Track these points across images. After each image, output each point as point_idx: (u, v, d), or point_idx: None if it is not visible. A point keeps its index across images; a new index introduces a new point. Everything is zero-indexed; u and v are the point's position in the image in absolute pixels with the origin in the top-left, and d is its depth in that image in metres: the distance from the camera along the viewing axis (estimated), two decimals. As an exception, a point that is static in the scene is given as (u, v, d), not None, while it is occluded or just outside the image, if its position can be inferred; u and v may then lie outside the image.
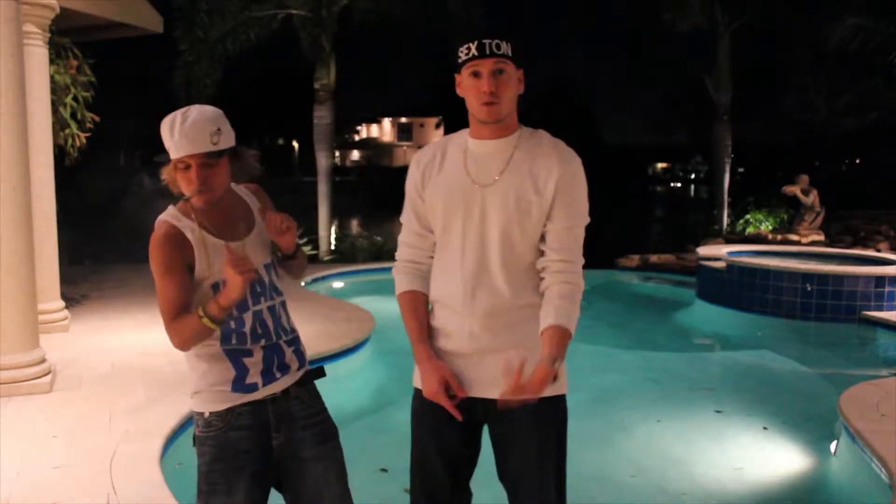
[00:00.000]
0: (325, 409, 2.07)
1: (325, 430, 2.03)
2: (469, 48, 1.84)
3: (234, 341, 1.93)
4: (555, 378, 1.78)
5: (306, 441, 1.98)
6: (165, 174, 1.92)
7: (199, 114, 1.84)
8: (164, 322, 1.90)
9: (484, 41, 1.83)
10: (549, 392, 1.89)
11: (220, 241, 1.92)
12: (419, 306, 2.00)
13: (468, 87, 1.87)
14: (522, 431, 1.93)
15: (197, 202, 1.88)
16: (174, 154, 1.84)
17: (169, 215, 1.93)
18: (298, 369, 2.03)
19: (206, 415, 1.94)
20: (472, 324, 1.93)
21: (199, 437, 1.96)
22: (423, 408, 2.01)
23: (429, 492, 2.03)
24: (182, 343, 1.89)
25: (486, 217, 1.90)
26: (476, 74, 1.85)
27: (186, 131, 1.81)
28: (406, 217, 2.05)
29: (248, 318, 1.94)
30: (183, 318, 1.87)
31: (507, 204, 1.89)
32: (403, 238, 2.07)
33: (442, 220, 1.96)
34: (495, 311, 1.92)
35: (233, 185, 2.00)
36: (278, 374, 1.97)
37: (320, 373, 2.12)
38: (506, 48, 1.83)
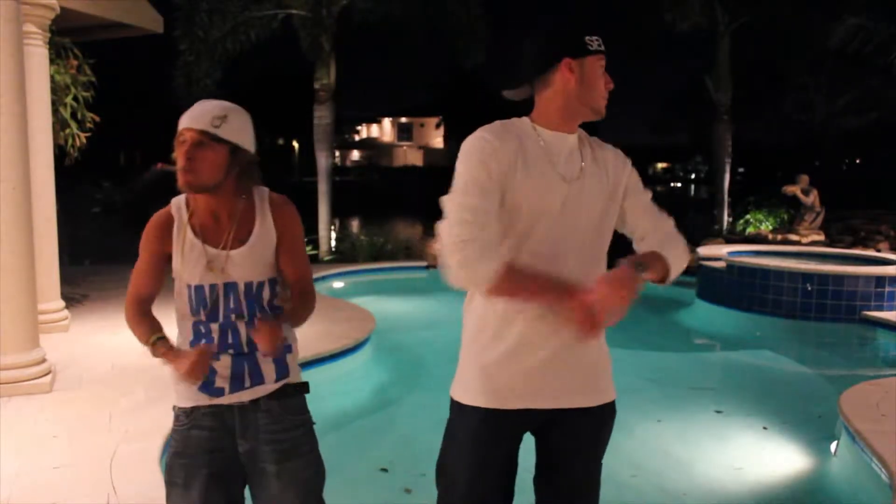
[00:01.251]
0: (298, 426, 1.98)
1: (290, 448, 1.94)
2: (598, 41, 1.79)
3: (202, 343, 1.91)
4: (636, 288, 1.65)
5: (268, 455, 1.92)
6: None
7: (216, 101, 1.88)
8: (126, 300, 1.98)
9: (590, 37, 1.80)
10: (603, 399, 1.91)
11: (198, 242, 1.90)
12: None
13: (598, 77, 1.79)
14: (584, 441, 1.91)
15: (180, 182, 1.84)
16: (179, 127, 1.85)
17: (175, 201, 1.95)
18: (277, 381, 1.96)
19: (176, 408, 1.98)
20: (560, 331, 1.77)
21: (172, 429, 1.99)
22: (484, 429, 1.84)
23: None
24: (130, 329, 1.97)
25: (578, 213, 1.81)
26: (605, 70, 1.82)
27: (193, 109, 1.86)
28: (471, 198, 1.71)
29: (214, 329, 1.91)
30: (140, 318, 1.96)
31: (595, 197, 1.84)
32: (466, 216, 1.69)
33: (528, 219, 1.77)
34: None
35: (256, 196, 1.95)
36: (248, 383, 1.92)
37: (302, 388, 2.02)
38: (597, 43, 1.83)
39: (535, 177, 1.75)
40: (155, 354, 1.88)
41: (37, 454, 3.57)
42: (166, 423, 3.86)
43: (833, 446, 4.29)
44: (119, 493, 3.12)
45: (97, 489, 3.17)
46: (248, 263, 1.92)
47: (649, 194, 1.96)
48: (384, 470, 3.93)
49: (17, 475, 3.32)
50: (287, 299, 1.99)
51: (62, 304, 6.34)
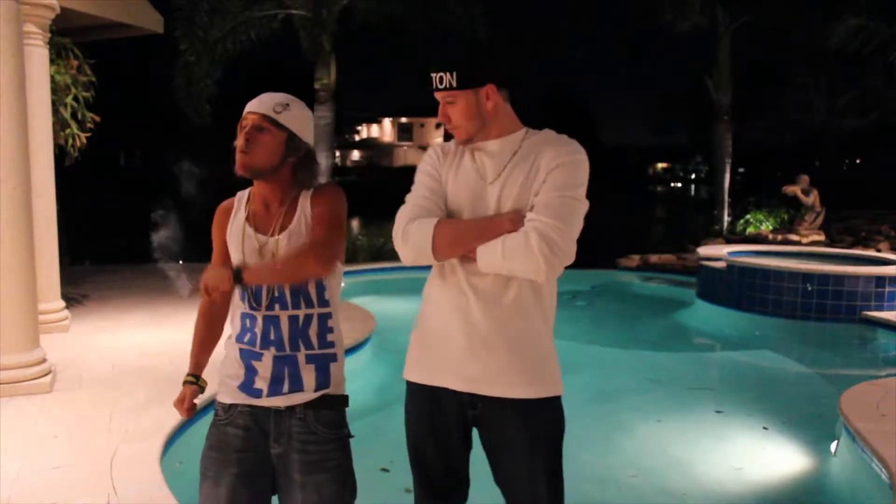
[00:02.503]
0: (330, 440, 1.94)
1: (317, 461, 1.91)
2: (430, 79, 1.95)
3: (246, 339, 1.94)
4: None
5: (296, 465, 1.92)
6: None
7: (282, 93, 1.98)
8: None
9: (431, 75, 1.94)
10: (536, 393, 1.91)
11: (249, 228, 1.96)
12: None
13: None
14: (511, 438, 1.92)
15: (237, 163, 1.90)
16: (243, 114, 1.94)
17: (240, 193, 2.04)
18: (316, 390, 1.93)
19: (216, 403, 2.00)
20: (476, 321, 1.92)
21: (212, 422, 2.00)
22: (418, 406, 2.02)
23: (431, 491, 2.03)
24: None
25: (499, 211, 1.92)
26: (439, 103, 1.96)
27: (260, 96, 1.95)
28: (419, 197, 1.99)
29: (258, 317, 1.93)
30: (201, 322, 2.09)
31: (511, 196, 1.90)
32: (414, 209, 1.98)
33: (452, 216, 1.97)
34: (495, 306, 1.91)
35: (302, 194, 1.97)
36: (286, 389, 1.91)
37: (342, 402, 1.99)
38: (448, 80, 1.90)
39: (461, 174, 1.98)
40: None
41: (37, 454, 3.57)
42: (166, 422, 3.88)
43: (833, 446, 4.29)
44: (119, 493, 3.12)
45: (97, 489, 3.17)
46: (278, 251, 1.94)
47: (562, 193, 1.85)
48: (384, 470, 3.93)
49: (18, 475, 3.32)
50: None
51: (62, 304, 6.34)
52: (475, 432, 2.02)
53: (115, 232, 19.33)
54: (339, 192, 2.00)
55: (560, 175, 1.86)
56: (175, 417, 3.94)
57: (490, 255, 1.84)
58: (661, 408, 5.23)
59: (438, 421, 1.99)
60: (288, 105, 1.93)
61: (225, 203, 2.05)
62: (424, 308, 2.05)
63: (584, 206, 1.88)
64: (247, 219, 1.98)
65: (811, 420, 4.88)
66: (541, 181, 1.86)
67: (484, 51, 1.97)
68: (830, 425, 4.48)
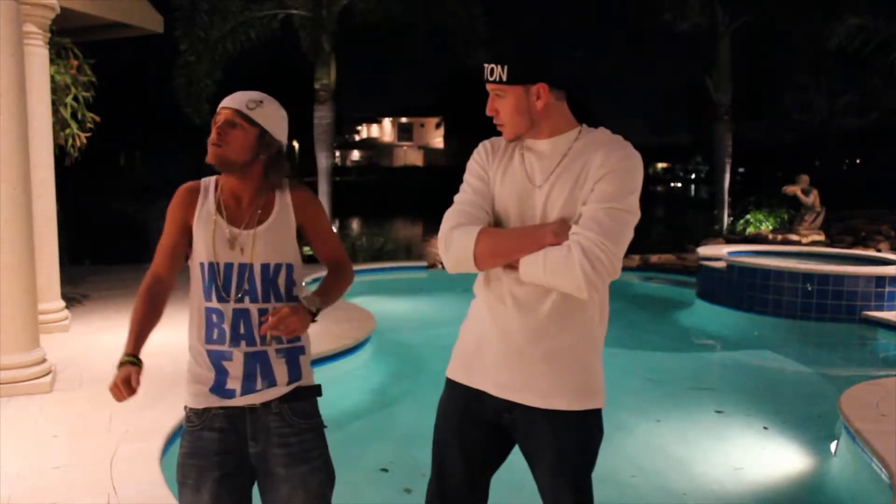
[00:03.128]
0: (309, 430, 1.97)
1: (299, 453, 1.93)
2: (484, 68, 1.89)
3: (215, 336, 1.92)
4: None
5: (278, 459, 1.92)
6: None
7: (255, 91, 2.00)
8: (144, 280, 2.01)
9: (485, 65, 1.88)
10: (569, 405, 1.89)
11: (220, 219, 1.95)
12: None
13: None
14: (540, 448, 1.91)
15: (209, 155, 1.92)
16: (217, 109, 1.96)
17: (205, 179, 2.03)
18: (289, 384, 1.95)
19: (187, 409, 1.98)
20: (512, 329, 1.89)
21: (182, 428, 1.99)
22: (450, 402, 2.02)
23: (444, 488, 2.02)
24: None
25: (545, 217, 1.85)
26: (489, 95, 1.91)
27: (235, 93, 1.98)
28: (465, 201, 1.94)
29: (226, 311, 1.91)
30: (142, 299, 1.99)
31: (558, 203, 1.84)
32: (458, 214, 1.91)
33: (502, 215, 1.92)
34: (532, 316, 1.87)
35: (278, 192, 2.00)
36: (260, 385, 1.92)
37: (315, 391, 2.02)
38: (499, 73, 1.85)
39: (509, 176, 1.93)
40: (118, 368, 1.98)
41: (37, 454, 3.57)
42: (166, 423, 3.88)
43: (833, 446, 4.29)
44: (119, 493, 3.12)
45: (97, 489, 3.17)
46: (264, 244, 1.95)
47: (609, 204, 1.77)
48: (384, 470, 3.93)
49: (18, 475, 3.32)
50: (305, 294, 1.99)
51: (62, 303, 6.34)
52: (513, 447, 2.02)
53: (115, 232, 19.33)
54: (317, 199, 2.10)
55: (609, 184, 1.77)
56: (175, 417, 3.94)
57: (532, 267, 1.78)
58: (661, 408, 5.23)
59: (466, 420, 1.98)
60: (261, 102, 1.95)
61: (189, 184, 2.02)
62: (472, 307, 2.04)
63: (634, 217, 1.80)
64: (217, 209, 1.96)
65: (811, 420, 4.88)
66: (588, 189, 1.79)
67: (538, 47, 1.89)
68: (830, 425, 4.48)
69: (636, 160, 1.83)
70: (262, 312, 1.91)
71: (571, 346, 1.89)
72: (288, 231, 1.99)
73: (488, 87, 1.89)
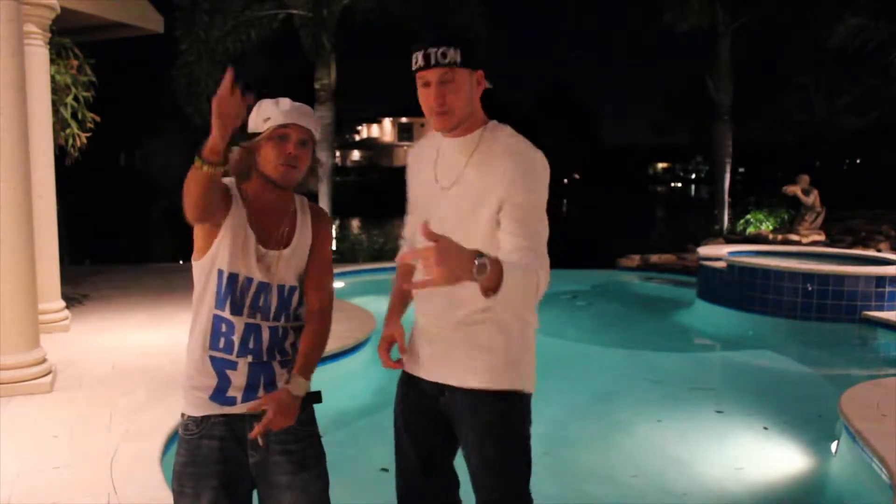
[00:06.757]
0: (310, 437, 1.97)
1: (301, 461, 1.92)
2: (417, 58, 1.83)
3: (221, 345, 1.88)
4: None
5: (280, 466, 1.90)
6: (236, 154, 1.85)
7: (303, 104, 1.92)
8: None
9: (430, 51, 1.80)
10: (497, 385, 1.91)
11: (251, 234, 1.88)
12: (403, 275, 2.11)
13: (420, 94, 1.87)
14: (469, 429, 1.96)
15: (283, 177, 1.86)
16: (281, 120, 1.84)
17: (228, 180, 1.89)
18: None
19: (185, 417, 1.93)
20: (435, 322, 1.99)
21: (179, 437, 1.95)
22: (399, 392, 2.11)
23: (402, 474, 2.10)
24: (190, 203, 1.74)
25: (446, 219, 1.85)
26: (426, 85, 1.84)
27: (297, 106, 1.88)
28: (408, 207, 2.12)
29: (238, 324, 1.87)
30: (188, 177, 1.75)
31: (461, 208, 1.87)
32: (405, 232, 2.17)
33: (412, 220, 2.06)
34: (447, 314, 1.95)
35: (297, 199, 1.98)
36: (261, 393, 1.89)
37: (315, 398, 1.99)
38: (453, 55, 1.79)
39: (420, 177, 2.00)
40: (205, 153, 1.67)
41: (37, 454, 3.57)
42: (166, 423, 3.88)
43: (833, 446, 4.29)
44: (119, 493, 3.12)
45: (97, 489, 3.17)
46: (286, 266, 1.92)
47: (525, 204, 1.80)
48: (384, 470, 3.93)
49: (18, 475, 3.32)
50: (291, 376, 1.90)
51: (62, 304, 6.34)
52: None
53: (115, 232, 19.32)
54: (331, 222, 2.10)
55: (521, 183, 1.82)
56: (175, 417, 3.94)
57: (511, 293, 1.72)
58: (661, 408, 5.23)
59: (411, 405, 2.07)
60: (313, 114, 1.93)
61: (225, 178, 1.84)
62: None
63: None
64: (250, 222, 1.88)
65: (811, 420, 4.88)
66: (499, 196, 1.82)
67: (476, 35, 1.90)
68: (830, 425, 4.48)
69: (542, 167, 1.85)
70: (273, 330, 1.90)
71: (495, 328, 1.93)
72: (304, 253, 1.96)
73: (431, 73, 1.81)
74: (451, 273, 1.50)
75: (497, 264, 1.58)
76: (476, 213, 1.84)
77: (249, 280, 1.87)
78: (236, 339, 1.87)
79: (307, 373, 1.90)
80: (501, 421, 1.94)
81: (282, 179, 1.87)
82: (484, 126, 1.91)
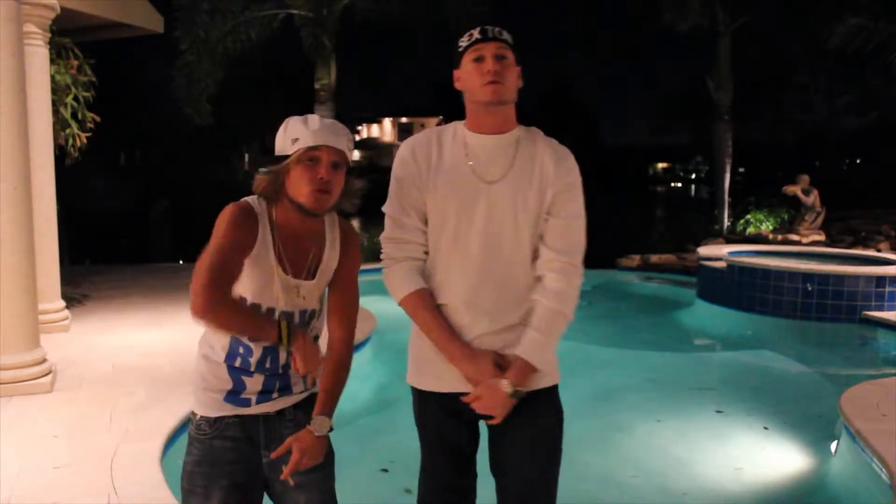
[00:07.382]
0: (320, 436, 1.93)
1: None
2: (472, 34, 1.88)
3: (237, 364, 1.86)
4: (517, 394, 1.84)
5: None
6: (262, 181, 1.78)
7: (332, 120, 1.83)
8: (198, 283, 1.67)
9: (487, 27, 1.87)
10: (541, 383, 1.94)
11: (278, 266, 1.80)
12: (434, 303, 1.94)
13: (470, 71, 1.87)
14: (516, 424, 1.93)
15: (314, 203, 1.76)
16: (311, 141, 1.73)
17: (254, 202, 1.80)
18: (303, 390, 1.94)
19: (198, 417, 1.91)
20: (476, 323, 1.92)
21: (190, 436, 1.93)
22: (426, 409, 2.03)
23: (441, 488, 2.05)
24: (208, 315, 1.69)
25: (492, 215, 1.89)
26: (479, 59, 1.85)
27: (328, 125, 1.77)
28: (397, 210, 1.98)
29: (256, 349, 1.84)
30: (231, 300, 1.72)
31: (514, 202, 1.89)
32: (395, 234, 2.01)
33: (441, 217, 1.92)
34: (499, 309, 1.92)
35: (327, 219, 1.89)
36: (276, 395, 1.89)
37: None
38: (508, 37, 1.88)
39: (449, 171, 1.90)
40: (290, 343, 1.75)
41: (37, 454, 3.57)
42: (167, 423, 3.88)
43: (833, 446, 4.29)
44: (119, 493, 3.12)
45: (97, 489, 3.17)
46: (310, 293, 1.88)
47: (573, 220, 1.93)
48: (384, 470, 3.93)
49: (18, 475, 3.32)
50: (314, 417, 1.85)
51: (63, 304, 6.34)
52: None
53: (115, 232, 19.32)
54: (358, 239, 2.01)
55: (567, 195, 1.95)
56: (175, 417, 3.94)
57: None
58: (661, 408, 5.23)
59: (449, 424, 2.00)
60: (352, 140, 1.83)
61: (244, 206, 1.78)
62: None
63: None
64: (275, 251, 1.80)
65: (811, 420, 4.88)
66: (548, 199, 1.92)
67: None
68: (830, 425, 4.48)
69: (579, 171, 1.95)
70: (289, 353, 1.83)
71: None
72: (329, 276, 1.91)
73: (488, 46, 1.85)
74: (500, 413, 1.84)
75: (524, 369, 1.85)
76: (527, 204, 1.89)
77: (272, 310, 1.84)
78: (253, 360, 1.86)
79: (330, 412, 1.86)
80: (557, 417, 2.03)
81: (312, 206, 1.76)
82: (517, 126, 1.96)
